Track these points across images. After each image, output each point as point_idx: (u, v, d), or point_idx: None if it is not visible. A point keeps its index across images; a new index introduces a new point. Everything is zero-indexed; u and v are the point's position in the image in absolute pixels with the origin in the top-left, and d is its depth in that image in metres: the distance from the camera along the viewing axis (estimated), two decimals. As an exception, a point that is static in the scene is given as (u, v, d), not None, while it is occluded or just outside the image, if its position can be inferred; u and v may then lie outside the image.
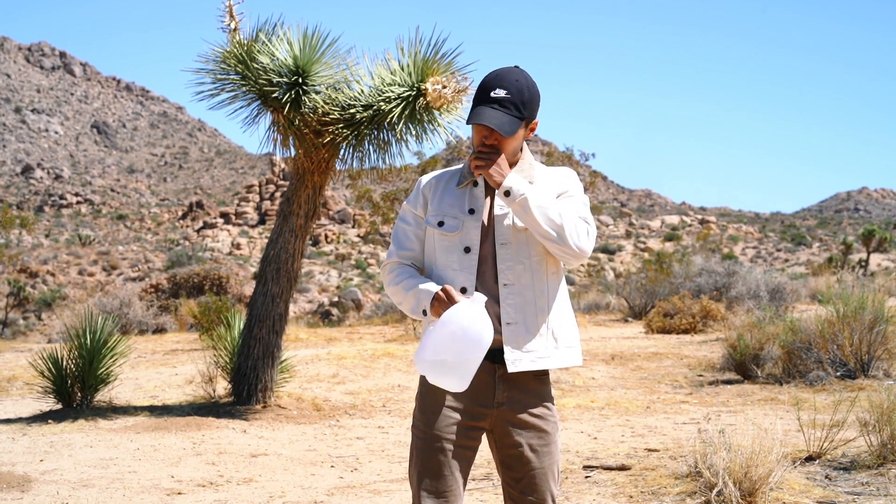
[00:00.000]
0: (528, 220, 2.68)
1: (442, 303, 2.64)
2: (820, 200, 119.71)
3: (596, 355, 12.17)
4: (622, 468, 5.72)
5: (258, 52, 8.03)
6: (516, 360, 2.68)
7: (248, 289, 23.03)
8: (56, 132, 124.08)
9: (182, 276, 23.08)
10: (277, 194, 71.80)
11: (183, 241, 68.06)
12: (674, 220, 78.20)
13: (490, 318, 2.58)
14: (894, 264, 47.34)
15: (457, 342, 2.53)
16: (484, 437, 2.83)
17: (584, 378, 10.49)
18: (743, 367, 9.86)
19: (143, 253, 51.90)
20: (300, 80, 8.00)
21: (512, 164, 2.79)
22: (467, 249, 2.73)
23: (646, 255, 58.72)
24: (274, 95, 8.03)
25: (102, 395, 8.97)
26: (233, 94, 8.31)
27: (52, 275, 43.00)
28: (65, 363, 8.67)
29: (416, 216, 2.88)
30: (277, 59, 8.03)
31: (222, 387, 9.23)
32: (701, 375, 10.42)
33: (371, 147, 8.31)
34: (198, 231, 73.70)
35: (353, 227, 67.29)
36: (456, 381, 2.58)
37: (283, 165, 68.88)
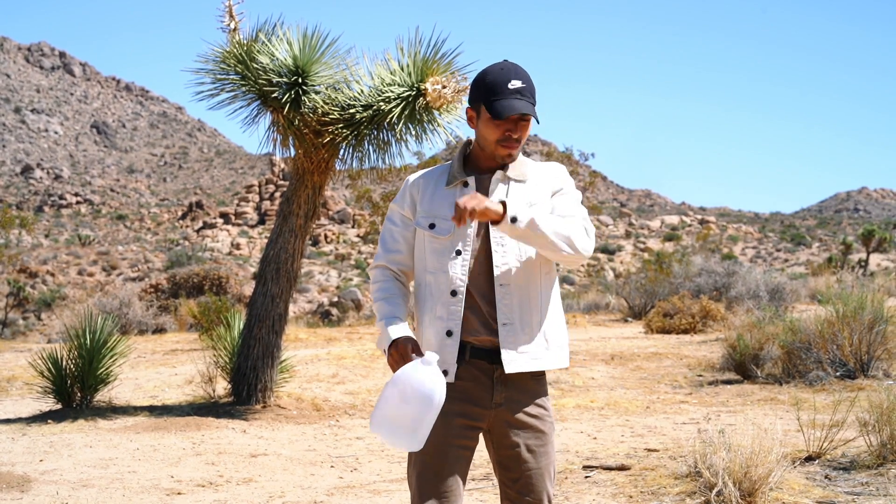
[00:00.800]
0: (538, 241, 2.61)
1: (395, 359, 2.62)
2: (820, 200, 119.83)
3: (595, 355, 12.17)
4: (622, 468, 5.71)
5: (258, 52, 8.04)
6: (513, 361, 2.67)
7: (248, 289, 23.00)
8: (56, 132, 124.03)
9: (182, 277, 23.07)
10: (277, 194, 71.77)
11: (182, 241, 68.02)
12: (673, 220, 78.14)
13: (442, 377, 2.52)
14: (894, 264, 47.36)
15: (408, 402, 2.50)
16: (481, 437, 2.82)
17: (583, 378, 10.49)
18: (743, 367, 9.86)
19: (143, 253, 51.85)
20: (300, 80, 8.00)
21: None
22: (454, 293, 2.68)
23: (645, 255, 58.75)
24: (274, 95, 8.03)
25: (102, 395, 8.97)
26: (232, 94, 8.31)
27: (52, 275, 42.97)
28: (64, 363, 8.67)
29: (403, 217, 2.83)
30: (277, 59, 8.03)
31: (222, 387, 9.23)
32: (701, 375, 10.42)
33: (371, 147, 8.31)
34: (197, 231, 73.66)
35: (353, 227, 67.31)
36: (408, 440, 2.55)
37: (282, 165, 68.88)
